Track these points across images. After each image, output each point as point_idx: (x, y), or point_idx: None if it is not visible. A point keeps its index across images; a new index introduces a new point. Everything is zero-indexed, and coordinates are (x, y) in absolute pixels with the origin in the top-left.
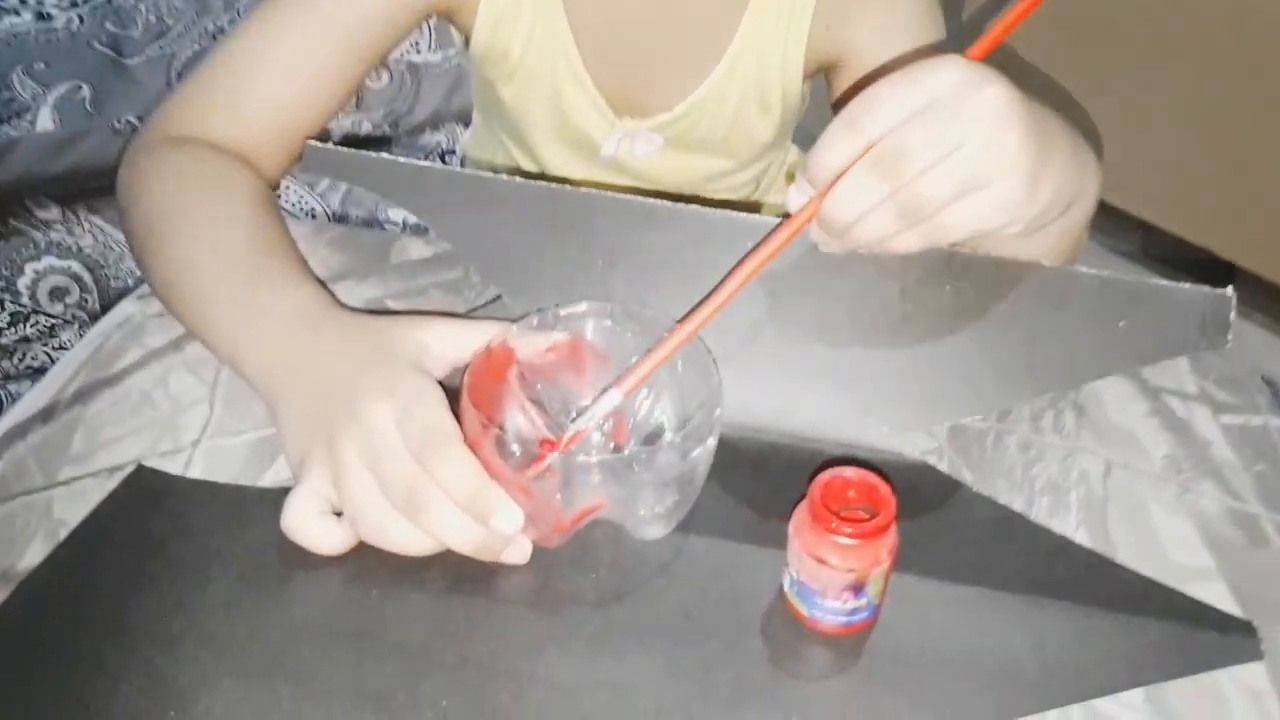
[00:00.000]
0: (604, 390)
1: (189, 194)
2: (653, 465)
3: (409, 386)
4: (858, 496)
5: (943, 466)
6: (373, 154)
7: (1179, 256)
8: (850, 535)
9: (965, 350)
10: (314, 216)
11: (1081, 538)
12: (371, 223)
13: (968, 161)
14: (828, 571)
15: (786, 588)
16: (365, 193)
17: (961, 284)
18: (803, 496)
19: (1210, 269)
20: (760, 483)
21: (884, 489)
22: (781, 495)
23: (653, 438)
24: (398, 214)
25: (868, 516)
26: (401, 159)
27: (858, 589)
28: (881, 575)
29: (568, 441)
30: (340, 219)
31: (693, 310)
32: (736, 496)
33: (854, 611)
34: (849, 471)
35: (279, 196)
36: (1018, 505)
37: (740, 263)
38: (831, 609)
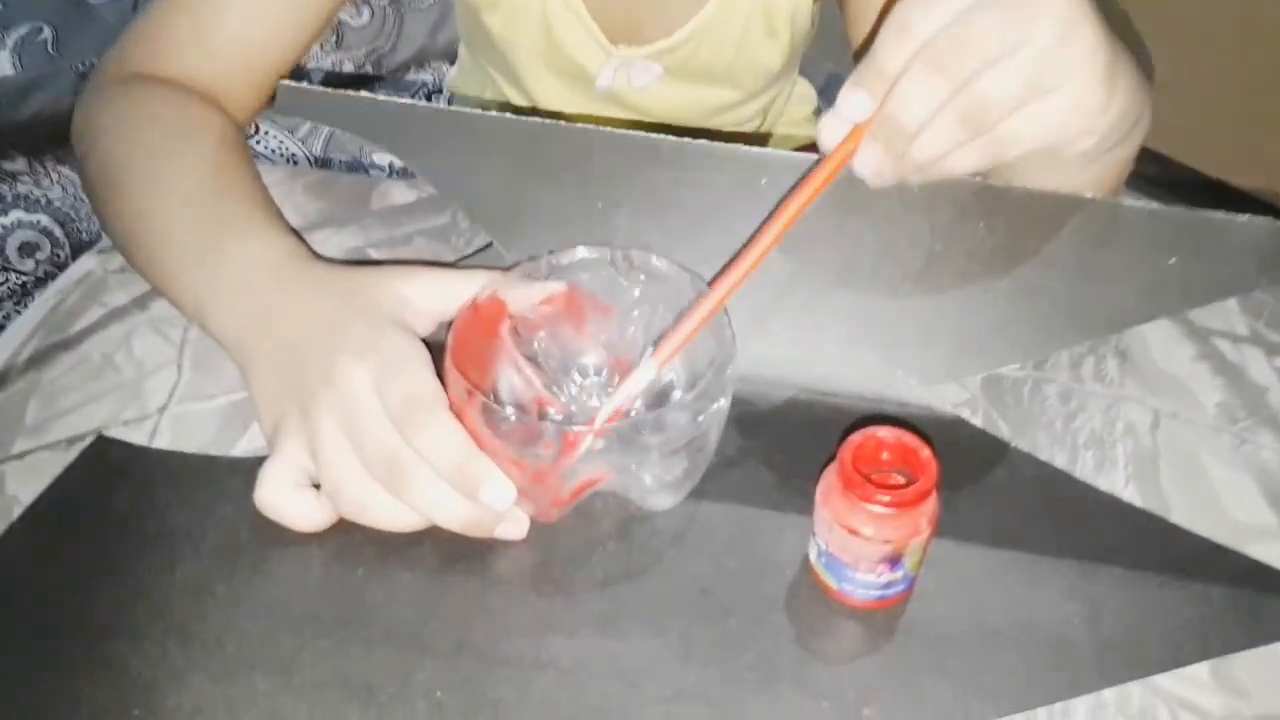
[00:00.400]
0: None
1: (149, 137)
2: (661, 429)
3: (389, 345)
4: (892, 459)
5: (977, 420)
6: (350, 92)
7: (1184, 180)
8: (886, 504)
9: (999, 294)
10: (294, 163)
11: (1131, 496)
12: (356, 168)
13: (1035, 59)
14: (860, 543)
15: (813, 559)
16: (349, 136)
17: (995, 220)
18: (830, 459)
19: (1209, 191)
20: (781, 443)
21: (924, 451)
22: (805, 456)
23: (660, 399)
24: (384, 158)
25: (904, 481)
26: (382, 96)
27: (894, 561)
28: (920, 546)
29: (604, 421)
30: (323, 164)
31: (726, 267)
32: (755, 458)
33: (888, 585)
34: (883, 431)
35: (255, 141)
36: (1060, 461)
37: (774, 211)
38: (864, 582)
